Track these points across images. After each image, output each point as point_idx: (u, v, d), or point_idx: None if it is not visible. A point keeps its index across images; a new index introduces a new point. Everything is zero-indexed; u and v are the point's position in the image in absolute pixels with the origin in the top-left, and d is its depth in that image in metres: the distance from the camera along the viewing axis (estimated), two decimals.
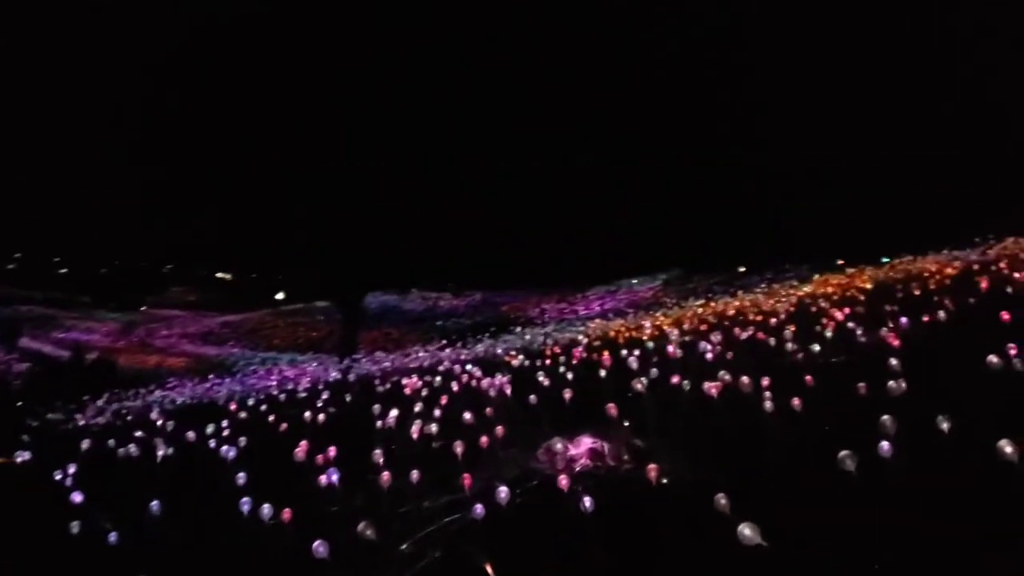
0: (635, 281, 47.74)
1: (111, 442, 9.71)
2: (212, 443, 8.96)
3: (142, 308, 64.93)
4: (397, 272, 47.52)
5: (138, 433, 10.32)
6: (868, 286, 12.11)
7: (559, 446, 7.18)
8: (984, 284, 9.21)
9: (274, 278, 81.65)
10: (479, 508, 5.34)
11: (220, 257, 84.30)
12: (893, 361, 5.82)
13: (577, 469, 7.00)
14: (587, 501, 4.97)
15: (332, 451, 7.09)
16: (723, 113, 46.18)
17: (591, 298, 46.04)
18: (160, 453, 7.81)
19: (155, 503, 6.12)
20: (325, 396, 12.12)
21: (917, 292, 11.21)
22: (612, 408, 6.33)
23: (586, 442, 7.44)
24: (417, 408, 8.83)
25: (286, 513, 5.82)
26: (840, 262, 33.67)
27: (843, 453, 4.14)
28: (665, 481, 5.65)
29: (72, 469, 8.18)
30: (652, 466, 5.21)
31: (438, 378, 10.91)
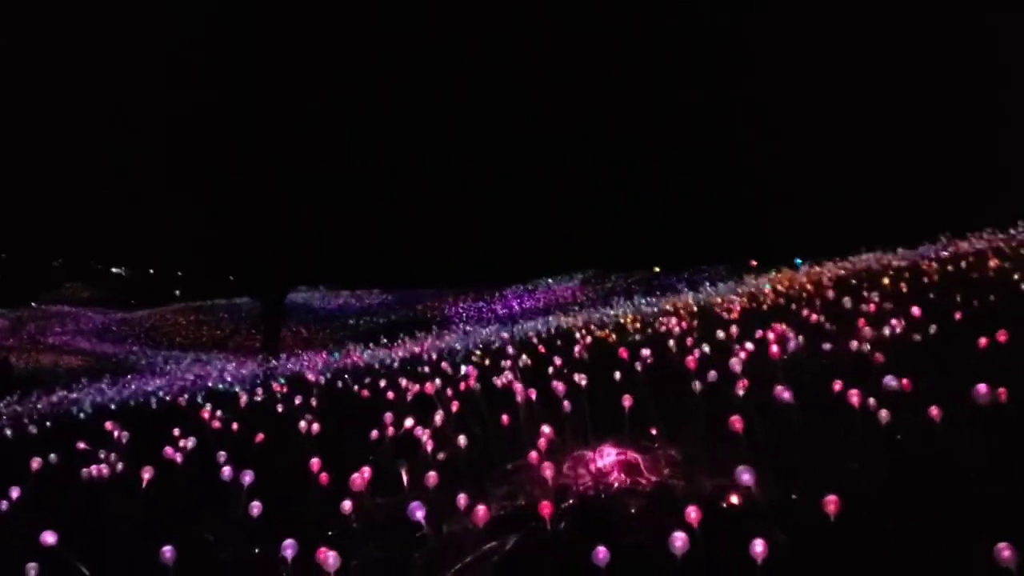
0: (551, 280, 47.25)
1: (53, 457, 7.84)
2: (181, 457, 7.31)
3: (32, 304, 59.74)
4: (310, 269, 45.25)
5: (84, 445, 8.48)
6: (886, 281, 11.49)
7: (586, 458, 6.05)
8: None
9: (173, 274, 77.12)
10: (601, 553, 4.03)
11: (115, 251, 79.07)
12: None
13: (615, 485, 5.86)
14: (758, 546, 3.72)
15: (367, 473, 5.64)
16: (638, 117, 46.31)
17: (509, 297, 45.20)
18: (146, 476, 6.09)
19: (168, 549, 4.50)
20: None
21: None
22: (737, 422, 5.08)
23: (613, 452, 6.27)
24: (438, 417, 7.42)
25: (330, 559, 4.36)
26: (753, 263, 34.08)
27: None
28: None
29: (16, 493, 6.39)
30: (832, 498, 3.97)
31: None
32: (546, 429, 5.88)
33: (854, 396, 4.90)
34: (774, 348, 6.32)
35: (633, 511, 5.26)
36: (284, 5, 33.03)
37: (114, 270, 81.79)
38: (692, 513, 4.27)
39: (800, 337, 6.56)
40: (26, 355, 40.30)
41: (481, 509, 4.69)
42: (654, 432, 6.50)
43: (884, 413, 5.11)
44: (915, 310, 7.44)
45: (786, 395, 5.09)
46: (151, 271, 79.38)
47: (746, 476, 3.90)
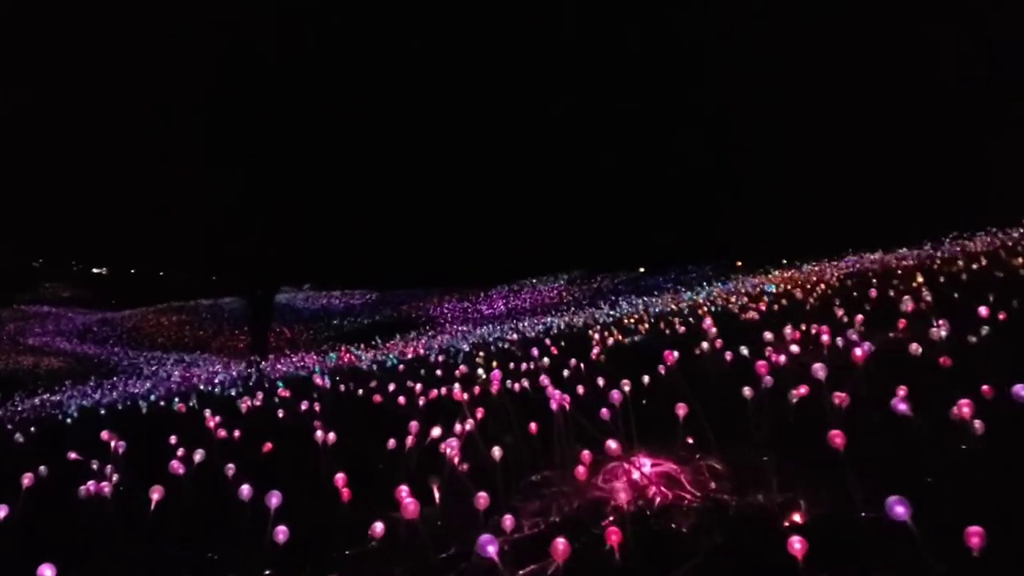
0: (535, 281, 46.71)
1: (43, 470, 7.01)
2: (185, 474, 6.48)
3: (12, 304, 58.14)
4: (295, 268, 44.44)
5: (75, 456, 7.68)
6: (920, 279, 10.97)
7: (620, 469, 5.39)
8: None
9: (155, 274, 75.57)
10: None
11: (96, 251, 77.45)
12: None
13: (656, 500, 5.18)
14: None
15: (406, 493, 4.94)
16: (623, 119, 46.01)
17: (494, 297, 44.52)
18: (155, 497, 5.31)
19: None
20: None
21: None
22: (837, 437, 4.34)
23: (648, 463, 5.60)
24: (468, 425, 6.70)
25: None
26: (739, 263, 33.80)
27: None
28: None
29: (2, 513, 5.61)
30: (975, 529, 3.28)
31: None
32: (612, 444, 5.17)
33: (965, 407, 4.25)
34: (857, 352, 5.65)
35: (686, 530, 4.63)
36: (280, 6, 32.34)
37: (95, 270, 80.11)
38: (796, 544, 3.58)
39: (867, 343, 5.94)
40: (5, 356, 39.04)
41: (561, 543, 3.94)
42: (690, 441, 5.86)
43: (979, 424, 4.52)
44: (982, 310, 6.85)
45: (902, 407, 4.40)
46: (132, 271, 77.90)
47: (899, 508, 3.17)
